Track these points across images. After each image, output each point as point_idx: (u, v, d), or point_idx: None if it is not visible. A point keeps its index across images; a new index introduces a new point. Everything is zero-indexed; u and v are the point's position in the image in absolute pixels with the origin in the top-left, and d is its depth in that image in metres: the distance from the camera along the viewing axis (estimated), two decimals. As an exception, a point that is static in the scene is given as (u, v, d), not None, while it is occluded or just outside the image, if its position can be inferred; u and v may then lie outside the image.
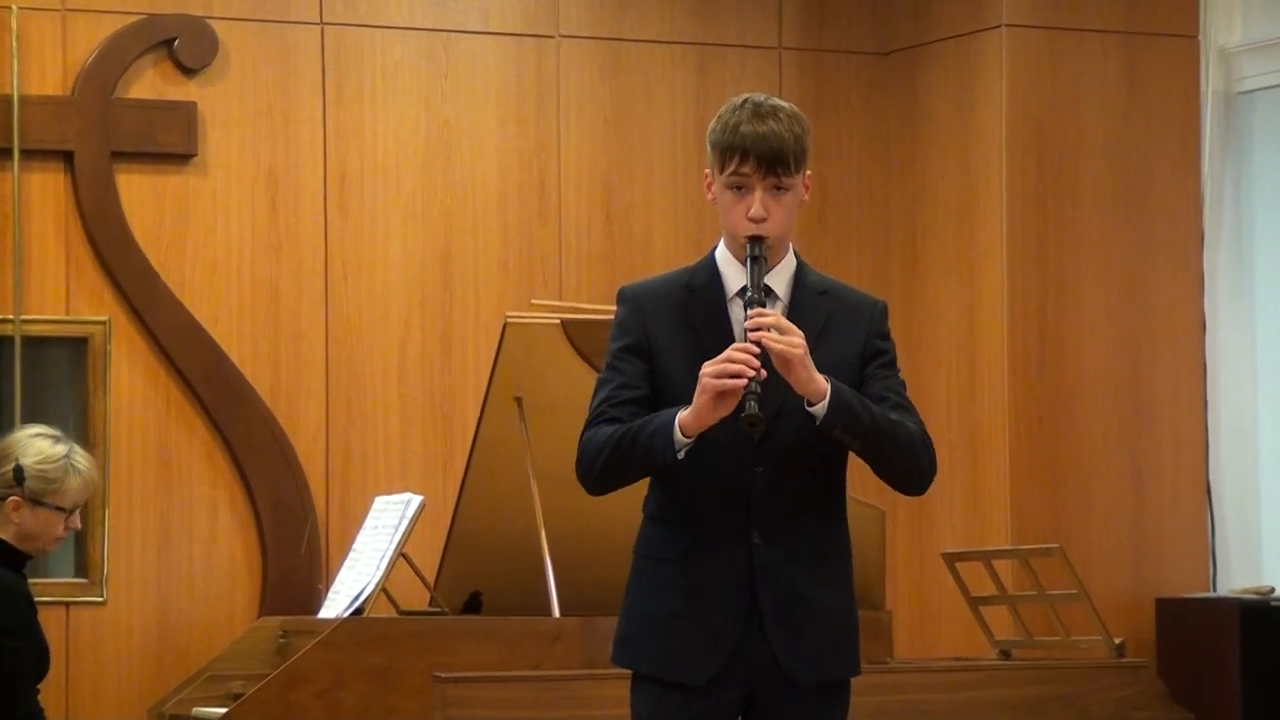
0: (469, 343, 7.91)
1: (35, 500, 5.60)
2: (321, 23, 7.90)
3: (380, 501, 7.00)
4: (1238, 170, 8.29)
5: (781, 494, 3.95)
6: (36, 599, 5.83)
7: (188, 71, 7.74)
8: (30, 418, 7.28)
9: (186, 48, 7.72)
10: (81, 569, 7.55)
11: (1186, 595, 8.01)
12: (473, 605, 6.83)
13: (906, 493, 4.06)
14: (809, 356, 3.85)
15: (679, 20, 8.24)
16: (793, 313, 3.97)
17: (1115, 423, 8.09)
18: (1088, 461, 8.03)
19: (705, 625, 3.94)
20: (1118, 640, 6.88)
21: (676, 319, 4.00)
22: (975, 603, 7.16)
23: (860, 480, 8.50)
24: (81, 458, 5.79)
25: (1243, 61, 8.27)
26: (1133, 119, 8.18)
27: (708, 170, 4.05)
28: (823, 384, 3.86)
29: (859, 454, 3.96)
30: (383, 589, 6.64)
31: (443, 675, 5.97)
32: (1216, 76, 8.27)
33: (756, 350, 3.83)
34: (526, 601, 6.51)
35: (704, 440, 3.90)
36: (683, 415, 3.86)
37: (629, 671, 4.08)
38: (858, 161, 8.43)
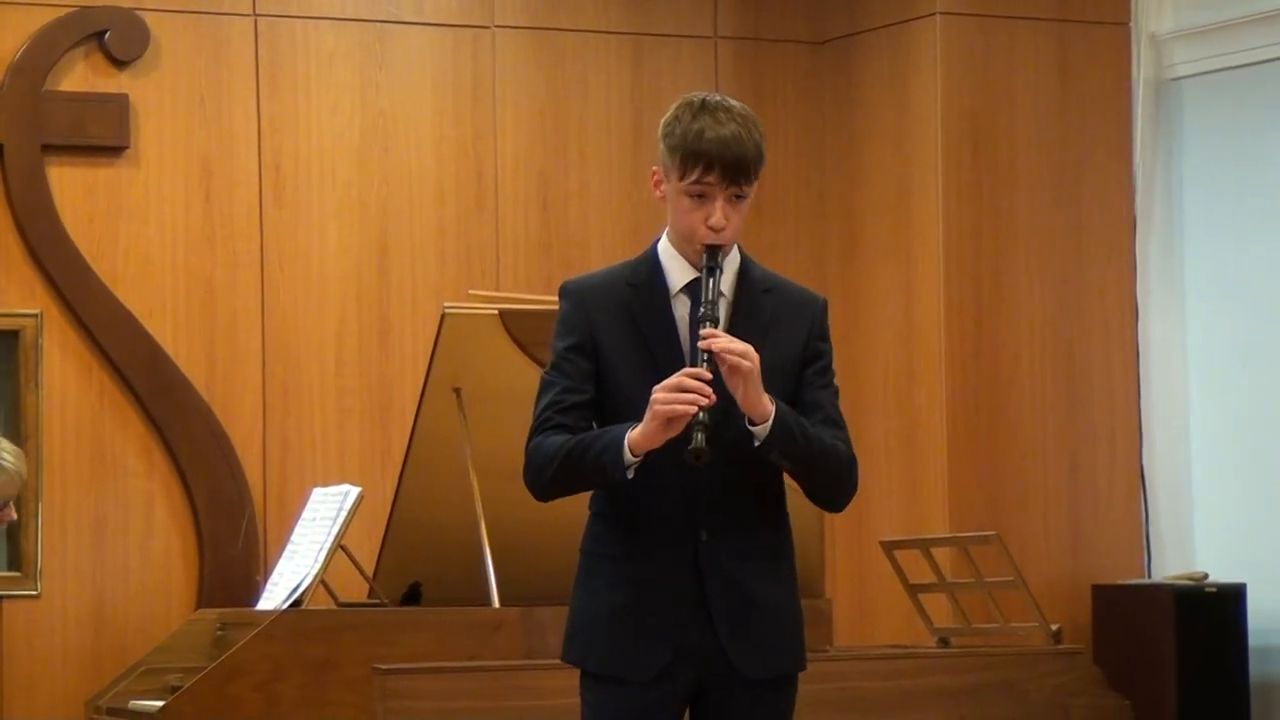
0: (406, 334, 7.89)
1: (-40, 498, 5.57)
2: (255, 14, 7.86)
3: (318, 493, 6.98)
4: (1169, 157, 8.34)
5: (727, 490, 3.95)
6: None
7: (119, 63, 7.69)
8: (-38, 411, 7.23)
9: (118, 40, 7.67)
10: (15, 562, 7.51)
11: (1122, 582, 8.05)
12: (412, 596, 6.81)
13: (826, 509, 4.12)
14: (758, 374, 3.86)
15: (614, 10, 8.24)
16: (737, 312, 3.98)
17: (1051, 411, 8.13)
18: (1024, 449, 8.07)
19: (652, 621, 3.95)
20: (1054, 627, 6.92)
21: (620, 316, 3.98)
22: (914, 590, 7.18)
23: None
24: (8, 453, 5.75)
25: (1174, 48, 8.32)
26: (1066, 107, 8.21)
27: (656, 167, 4.02)
28: (768, 406, 3.87)
29: (788, 472, 3.98)
30: (321, 581, 6.63)
31: (382, 667, 5.96)
32: (1148, 64, 8.31)
33: (709, 376, 3.83)
34: (466, 592, 6.50)
35: None
36: (632, 435, 3.86)
37: (572, 664, 4.08)
38: (794, 151, 8.44)
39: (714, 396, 3.82)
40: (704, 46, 8.36)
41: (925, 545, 7.22)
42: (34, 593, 7.50)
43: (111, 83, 7.69)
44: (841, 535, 8.20)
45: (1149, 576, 8.15)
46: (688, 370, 3.85)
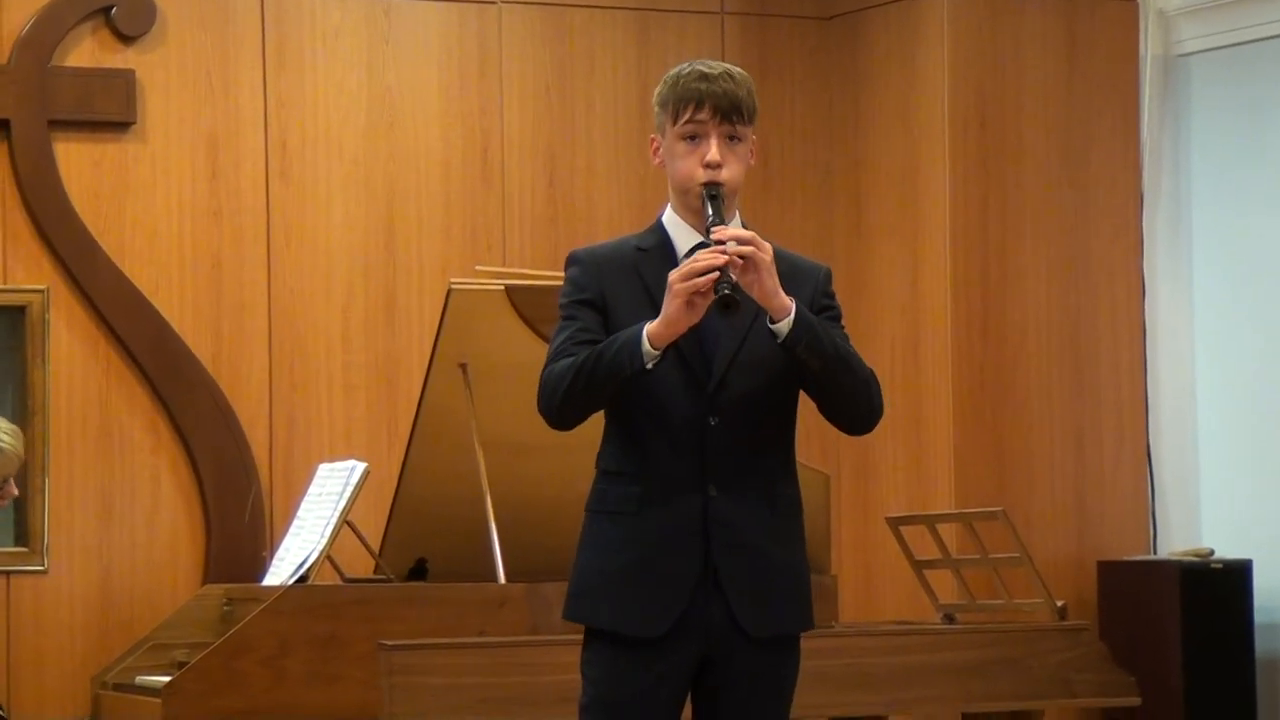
0: (413, 309, 7.89)
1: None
2: (261, -12, 7.86)
3: (324, 469, 6.98)
4: (1176, 133, 8.33)
5: (736, 445, 3.94)
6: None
7: (126, 39, 7.69)
8: (-31, 388, 7.24)
9: (124, 15, 7.67)
10: (22, 538, 7.52)
11: (1127, 558, 8.06)
12: (418, 572, 6.82)
13: (853, 431, 4.07)
14: (772, 265, 3.86)
15: (620, -16, 8.24)
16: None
17: (1057, 386, 8.12)
18: (1030, 425, 8.07)
19: (660, 577, 3.93)
20: (1060, 603, 6.91)
21: (630, 277, 3.99)
22: (919, 566, 7.19)
23: (805, 445, 8.52)
24: (5, 432, 5.78)
25: (1182, 24, 8.30)
26: (1073, 82, 8.20)
27: (654, 135, 4.05)
28: (786, 299, 3.87)
29: (816, 382, 3.94)
30: (327, 556, 6.63)
31: (388, 643, 5.97)
32: (1156, 39, 8.30)
33: (722, 257, 3.81)
34: (472, 568, 6.50)
35: (658, 391, 3.92)
36: (651, 326, 3.86)
37: (577, 637, 4.06)
38: (800, 126, 8.43)
39: (730, 255, 3.80)
40: (711, 21, 8.35)
41: (931, 521, 7.22)
42: (41, 568, 7.51)
43: (118, 58, 7.68)
44: (847, 511, 8.21)
45: (1154, 553, 8.16)
46: (702, 253, 3.84)
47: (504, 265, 7.81)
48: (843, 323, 4.07)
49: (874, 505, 8.12)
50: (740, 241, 3.84)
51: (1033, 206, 8.13)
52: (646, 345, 3.86)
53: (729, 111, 3.95)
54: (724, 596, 3.94)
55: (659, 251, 4.00)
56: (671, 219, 4.04)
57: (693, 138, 3.97)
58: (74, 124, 7.62)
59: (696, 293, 3.81)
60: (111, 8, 7.65)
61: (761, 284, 3.85)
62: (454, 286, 6.59)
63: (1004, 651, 6.64)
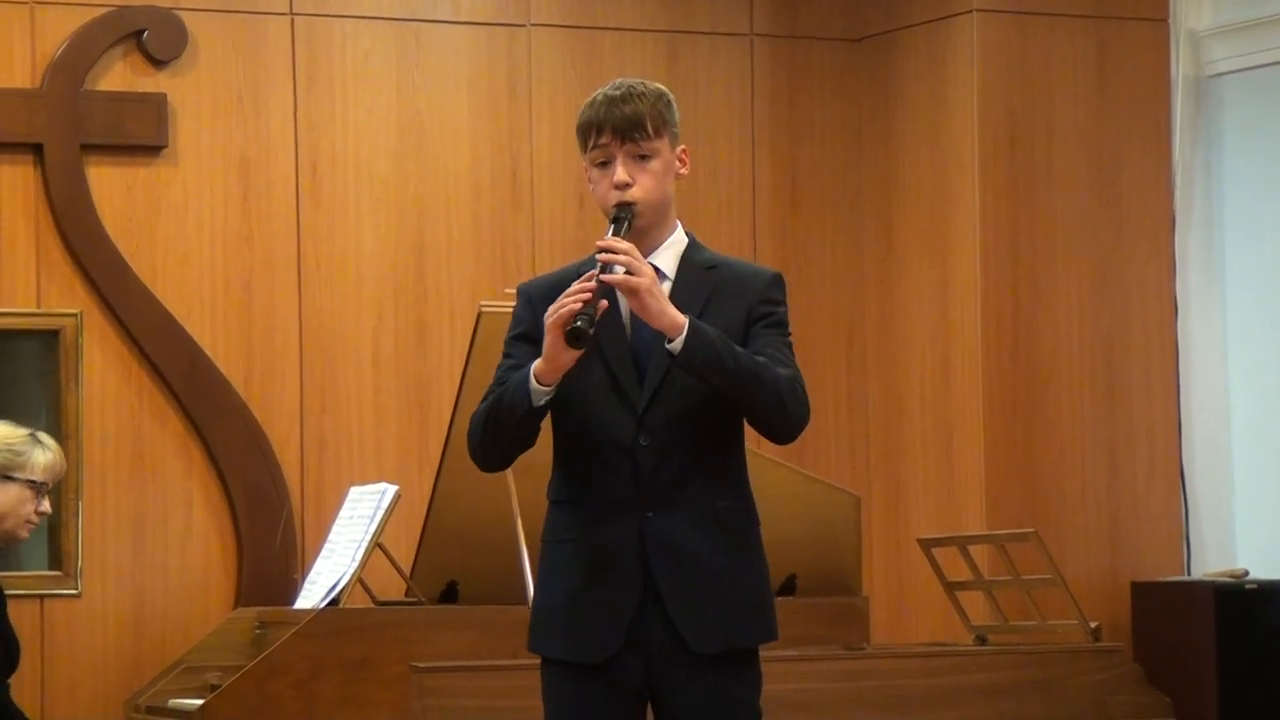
0: (443, 332, 7.90)
1: (5, 475, 5.67)
2: (291, 13, 7.88)
3: (355, 492, 6.99)
4: (1208, 153, 8.31)
5: (669, 464, 3.94)
6: (9, 592, 5.83)
7: (157, 63, 7.72)
8: (1, 411, 7.26)
9: (156, 39, 7.70)
10: (55, 561, 7.53)
11: (1161, 579, 8.03)
12: (449, 595, 6.82)
13: (776, 441, 4.03)
14: (657, 287, 3.86)
15: (649, 8, 8.24)
16: (677, 289, 3.98)
17: (1089, 407, 8.10)
18: (1062, 446, 8.05)
19: (603, 602, 3.94)
20: (1093, 624, 6.89)
21: None
22: (951, 588, 7.17)
23: (837, 467, 8.50)
24: (46, 438, 5.84)
25: (1213, 45, 8.29)
26: (1104, 103, 8.19)
27: (585, 165, 4.07)
28: (678, 317, 3.87)
29: (726, 396, 3.93)
30: (359, 579, 6.64)
31: (420, 665, 5.97)
32: (1187, 60, 8.28)
33: (593, 284, 3.83)
34: (502, 590, 6.51)
35: (591, 416, 3.94)
36: (536, 364, 3.89)
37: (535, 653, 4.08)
38: (830, 148, 8.43)
39: (595, 289, 3.81)
40: (740, 43, 8.35)
41: (963, 543, 7.21)
42: (74, 592, 7.53)
43: (150, 82, 7.71)
44: (879, 533, 8.19)
45: (1189, 574, 8.12)
46: (574, 284, 3.86)
47: (534, 287, 7.80)
48: (787, 328, 4.05)
49: (905, 527, 8.11)
50: (615, 251, 3.84)
51: (1063, 227, 8.11)
52: (534, 383, 3.88)
53: (629, 130, 3.96)
54: (665, 614, 3.93)
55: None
56: None
57: (603, 163, 3.99)
58: (106, 148, 7.64)
59: (563, 323, 3.82)
60: (143, 31, 7.68)
61: (644, 307, 3.86)
62: (484, 309, 6.59)
63: (1037, 673, 6.62)
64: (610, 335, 3.96)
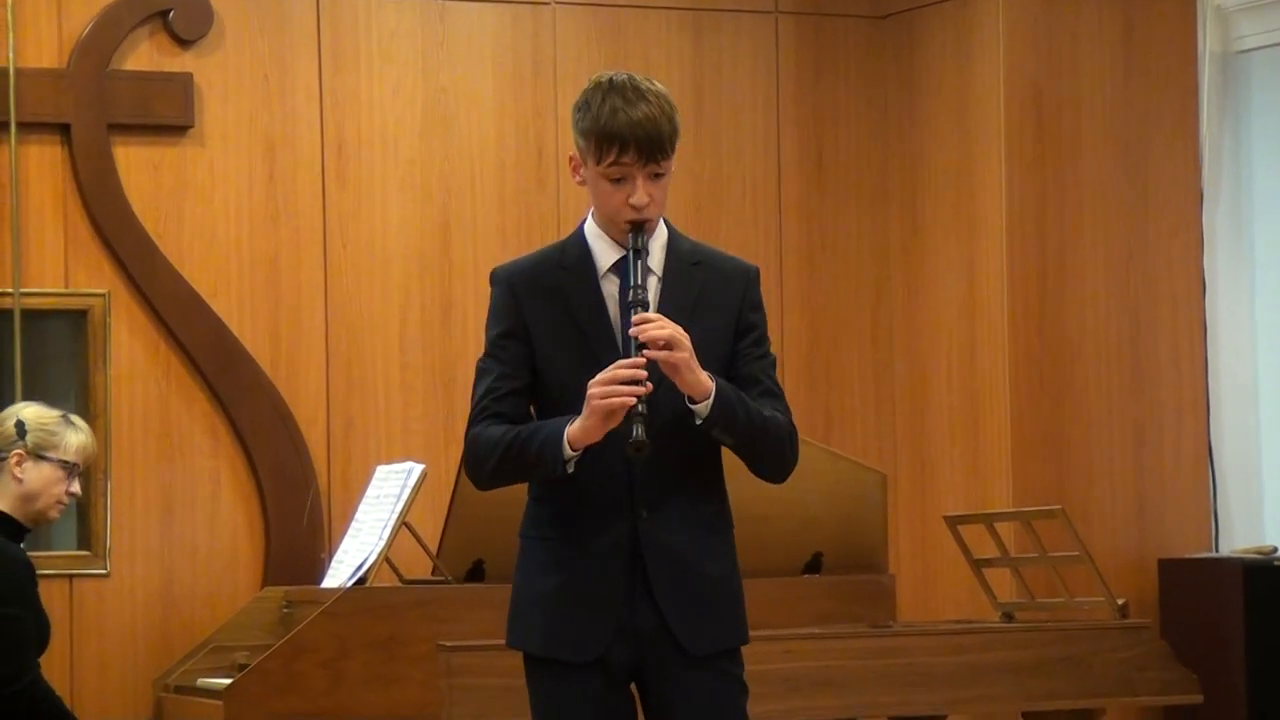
0: (469, 310, 7.91)
1: (38, 454, 5.72)
2: (317, -8, 7.89)
3: (382, 470, 7.00)
4: (1236, 129, 8.28)
5: (664, 467, 3.93)
6: (39, 572, 5.86)
7: (183, 43, 7.72)
8: (30, 391, 7.28)
9: (182, 19, 7.70)
10: (84, 541, 7.56)
11: (1189, 556, 8.02)
12: (475, 573, 6.83)
13: (768, 481, 4.07)
14: (694, 359, 3.86)
15: (674, -16, 8.23)
16: (666, 288, 3.97)
17: (1116, 384, 8.09)
18: (1089, 423, 8.04)
19: (592, 600, 3.94)
20: (1120, 601, 6.88)
21: (551, 298, 3.97)
22: (977, 565, 7.16)
23: (862, 445, 8.49)
24: (79, 420, 5.88)
25: (1240, 20, 8.26)
26: (1131, 79, 8.16)
27: (573, 153, 4.01)
28: (707, 383, 3.87)
29: (730, 448, 3.97)
30: (385, 558, 6.65)
31: (447, 644, 5.98)
32: (1214, 36, 8.25)
33: (642, 364, 3.82)
34: (529, 569, 6.50)
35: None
36: (571, 429, 3.86)
37: (514, 648, 4.06)
38: (856, 125, 8.41)
39: (650, 386, 3.81)
40: (765, 21, 8.33)
41: (989, 520, 7.20)
42: (103, 571, 7.55)
43: (176, 62, 7.72)
44: (905, 510, 8.19)
45: (1217, 550, 8.11)
46: (622, 361, 3.84)
47: (560, 266, 7.80)
48: (768, 340, 4.06)
49: (932, 504, 8.10)
50: (656, 342, 3.81)
51: (1090, 203, 8.09)
52: (567, 449, 3.87)
53: (654, 152, 3.92)
54: (657, 610, 3.93)
55: (581, 269, 3.98)
56: (593, 231, 4.02)
57: (618, 179, 3.94)
58: (133, 128, 7.65)
59: (612, 410, 3.81)
60: (169, 11, 7.68)
61: (682, 379, 3.86)
62: (510, 287, 6.58)
63: (1064, 650, 6.61)
64: (600, 340, 3.95)
